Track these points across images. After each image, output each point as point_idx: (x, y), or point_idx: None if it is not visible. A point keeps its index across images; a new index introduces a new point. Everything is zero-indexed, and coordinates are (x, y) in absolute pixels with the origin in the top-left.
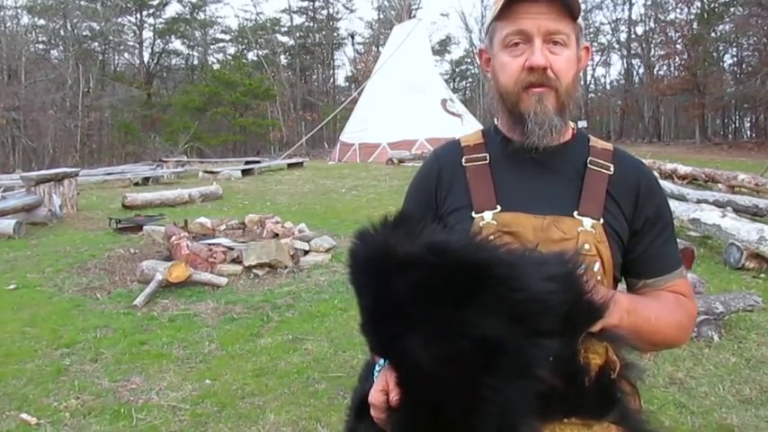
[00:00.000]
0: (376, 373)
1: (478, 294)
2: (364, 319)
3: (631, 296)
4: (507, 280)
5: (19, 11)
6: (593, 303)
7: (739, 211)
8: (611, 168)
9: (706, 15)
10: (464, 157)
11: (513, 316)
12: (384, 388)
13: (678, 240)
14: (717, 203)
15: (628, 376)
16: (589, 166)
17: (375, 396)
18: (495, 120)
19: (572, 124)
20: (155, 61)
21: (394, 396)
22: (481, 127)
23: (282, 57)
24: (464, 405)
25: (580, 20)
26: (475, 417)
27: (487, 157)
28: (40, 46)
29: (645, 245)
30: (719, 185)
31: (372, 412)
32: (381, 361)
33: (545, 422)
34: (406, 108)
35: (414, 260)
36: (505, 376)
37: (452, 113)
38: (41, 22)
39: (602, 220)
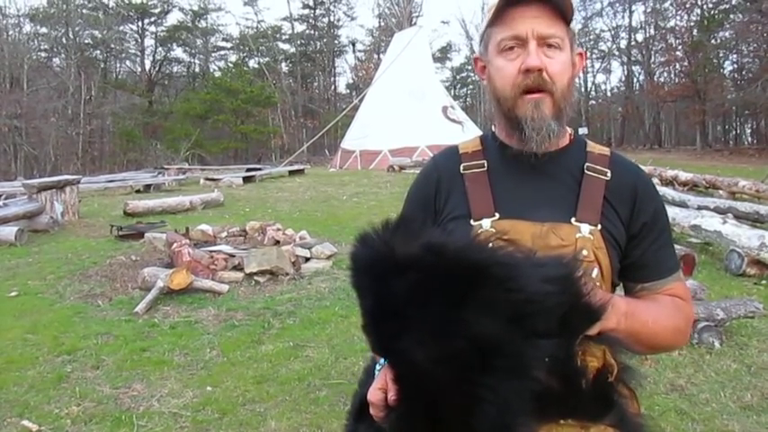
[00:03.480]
0: (377, 373)
1: (475, 294)
2: (365, 320)
3: (629, 300)
4: (504, 280)
5: (21, 19)
6: (590, 306)
7: (740, 217)
8: (608, 174)
9: (706, 22)
10: (462, 165)
11: (509, 316)
12: (383, 386)
13: (679, 247)
14: (718, 210)
15: (626, 380)
16: (586, 171)
17: (374, 394)
18: (493, 126)
19: (569, 129)
20: (156, 69)
21: (392, 394)
22: (481, 133)
23: (283, 64)
24: (460, 404)
25: (573, 26)
26: (471, 416)
27: (485, 165)
28: (43, 54)
29: (642, 249)
30: (720, 192)
31: (371, 410)
32: (382, 360)
33: (542, 423)
34: (407, 115)
35: (412, 261)
36: (502, 376)
37: (453, 120)
38: (44, 30)
39: (599, 227)
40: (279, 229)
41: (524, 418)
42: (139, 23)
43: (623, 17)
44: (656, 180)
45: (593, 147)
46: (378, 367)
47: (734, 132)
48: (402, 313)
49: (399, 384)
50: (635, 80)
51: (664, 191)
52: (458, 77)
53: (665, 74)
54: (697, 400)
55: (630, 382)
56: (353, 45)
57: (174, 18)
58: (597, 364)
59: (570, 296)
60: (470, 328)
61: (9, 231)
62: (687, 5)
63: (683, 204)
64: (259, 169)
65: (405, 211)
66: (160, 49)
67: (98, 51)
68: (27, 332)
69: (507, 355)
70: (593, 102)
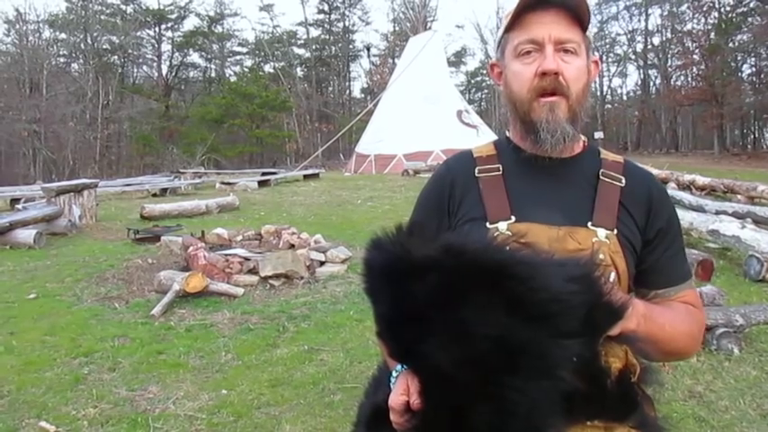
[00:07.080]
0: (393, 380)
1: (498, 295)
2: (382, 326)
3: (646, 303)
4: (528, 279)
5: (41, 25)
6: (612, 304)
7: (759, 222)
8: (623, 181)
9: (723, 25)
10: (477, 168)
11: (533, 316)
12: (405, 391)
13: (697, 252)
14: (736, 215)
15: (646, 382)
16: (601, 177)
17: (395, 400)
18: (507, 131)
19: (583, 137)
20: (173, 74)
21: (415, 400)
22: (496, 138)
23: (299, 69)
24: (488, 407)
25: (590, 33)
26: (499, 419)
27: (500, 168)
28: (61, 59)
29: (657, 255)
30: (739, 196)
31: (392, 416)
32: (398, 366)
33: (569, 425)
34: (422, 119)
35: (431, 263)
36: (529, 377)
37: (468, 124)
38: (63, 36)
39: (615, 231)
40: (294, 233)
41: (553, 420)
42: (156, 29)
43: (639, 21)
44: (672, 184)
45: (607, 154)
46: (394, 374)
47: (752, 136)
48: (423, 317)
49: (423, 389)
50: (651, 84)
51: (681, 195)
52: (472, 82)
53: (682, 77)
54: (716, 407)
55: (651, 384)
56: (368, 50)
57: (190, 23)
58: (619, 364)
59: (593, 295)
60: (495, 329)
61: (28, 234)
62: (704, 8)
63: (700, 209)
64: (274, 173)
65: (416, 215)
66: (177, 54)
67: (116, 57)
68: (45, 334)
69: (533, 355)
70: (609, 106)
